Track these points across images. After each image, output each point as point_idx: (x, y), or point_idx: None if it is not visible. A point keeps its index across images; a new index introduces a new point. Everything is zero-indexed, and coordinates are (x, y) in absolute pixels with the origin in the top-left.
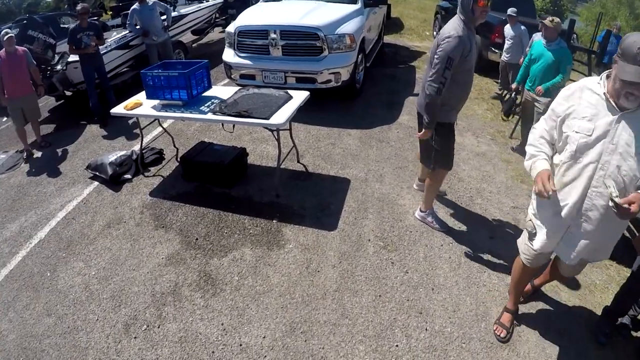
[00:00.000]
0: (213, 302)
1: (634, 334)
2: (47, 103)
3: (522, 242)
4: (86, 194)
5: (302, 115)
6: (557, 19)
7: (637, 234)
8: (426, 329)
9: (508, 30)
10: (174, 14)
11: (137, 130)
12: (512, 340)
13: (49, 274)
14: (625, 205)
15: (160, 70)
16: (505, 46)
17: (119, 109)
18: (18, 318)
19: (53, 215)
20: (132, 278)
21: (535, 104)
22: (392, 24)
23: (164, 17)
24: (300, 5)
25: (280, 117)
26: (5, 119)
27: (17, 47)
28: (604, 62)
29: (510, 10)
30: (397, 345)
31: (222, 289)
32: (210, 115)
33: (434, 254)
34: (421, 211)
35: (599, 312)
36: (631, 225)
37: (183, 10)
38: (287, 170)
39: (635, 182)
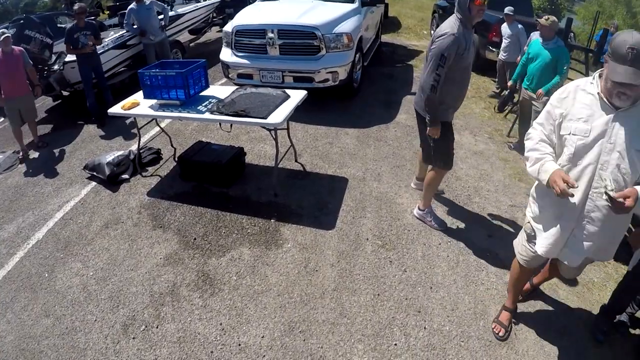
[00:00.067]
0: (211, 302)
1: (631, 331)
2: (44, 103)
3: (519, 243)
4: (84, 194)
5: (300, 114)
6: (553, 18)
7: (633, 230)
8: (425, 328)
9: (505, 29)
10: (171, 13)
11: (135, 130)
12: (510, 339)
13: (46, 275)
14: (620, 200)
15: (157, 70)
16: (503, 45)
17: (116, 109)
18: (16, 319)
19: (51, 215)
20: (130, 278)
21: (533, 102)
22: (389, 23)
23: (161, 16)
24: (297, 5)
25: (278, 116)
26: (1, 119)
27: (13, 47)
28: (601, 61)
29: (508, 9)
30: (395, 344)
31: (220, 289)
32: (207, 115)
33: (432, 252)
34: (419, 209)
35: (597, 309)
36: (631, 226)
37: (180, 10)
38: (284, 169)
39: (634, 179)
